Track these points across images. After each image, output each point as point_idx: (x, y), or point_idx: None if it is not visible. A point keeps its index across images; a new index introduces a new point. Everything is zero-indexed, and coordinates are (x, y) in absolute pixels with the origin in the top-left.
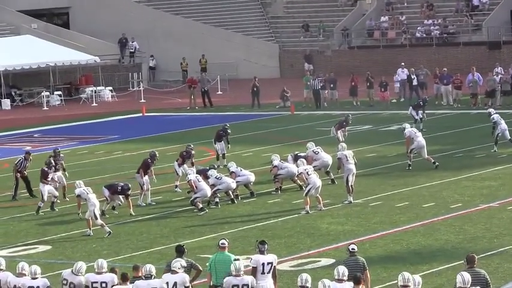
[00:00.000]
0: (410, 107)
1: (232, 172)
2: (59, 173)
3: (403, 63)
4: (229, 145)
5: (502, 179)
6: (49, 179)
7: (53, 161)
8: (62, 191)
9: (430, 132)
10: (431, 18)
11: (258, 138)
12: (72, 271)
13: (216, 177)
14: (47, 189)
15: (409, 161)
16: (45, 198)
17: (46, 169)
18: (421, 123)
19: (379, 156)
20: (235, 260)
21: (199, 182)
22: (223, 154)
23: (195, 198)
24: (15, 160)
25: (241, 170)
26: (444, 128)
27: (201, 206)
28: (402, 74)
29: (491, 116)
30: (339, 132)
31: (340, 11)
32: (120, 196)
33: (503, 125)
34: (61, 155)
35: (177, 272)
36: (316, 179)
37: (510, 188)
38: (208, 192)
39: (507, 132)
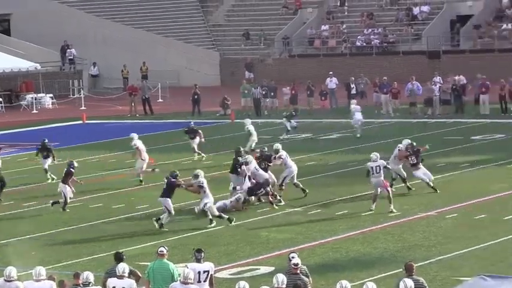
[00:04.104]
0: (284, 118)
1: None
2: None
3: (331, 73)
4: (55, 161)
5: (439, 188)
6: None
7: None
8: None
9: (369, 141)
10: (371, 27)
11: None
12: (4, 279)
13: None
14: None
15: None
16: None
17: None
18: (292, 132)
19: (319, 165)
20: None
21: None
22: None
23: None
24: None
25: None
26: (383, 137)
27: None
28: (331, 83)
29: (246, 126)
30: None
31: (281, 20)
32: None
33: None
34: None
35: (124, 277)
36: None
37: (448, 197)
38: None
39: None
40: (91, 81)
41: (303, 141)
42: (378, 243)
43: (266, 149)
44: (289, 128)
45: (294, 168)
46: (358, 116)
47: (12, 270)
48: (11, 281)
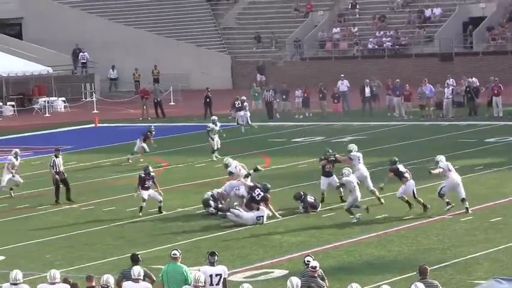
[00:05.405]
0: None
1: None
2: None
3: (342, 75)
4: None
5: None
6: (146, 185)
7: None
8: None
9: (382, 144)
10: (383, 29)
11: (210, 149)
12: (11, 283)
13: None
14: (146, 194)
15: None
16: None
17: (143, 175)
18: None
19: None
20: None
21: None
22: None
23: None
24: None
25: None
26: (396, 139)
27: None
28: (342, 85)
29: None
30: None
31: (292, 22)
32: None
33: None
34: None
35: (139, 280)
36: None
37: None
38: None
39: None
40: (108, 84)
41: (317, 144)
42: (393, 247)
43: (330, 151)
44: (241, 123)
45: (363, 172)
46: (247, 113)
47: (18, 274)
48: (17, 284)
